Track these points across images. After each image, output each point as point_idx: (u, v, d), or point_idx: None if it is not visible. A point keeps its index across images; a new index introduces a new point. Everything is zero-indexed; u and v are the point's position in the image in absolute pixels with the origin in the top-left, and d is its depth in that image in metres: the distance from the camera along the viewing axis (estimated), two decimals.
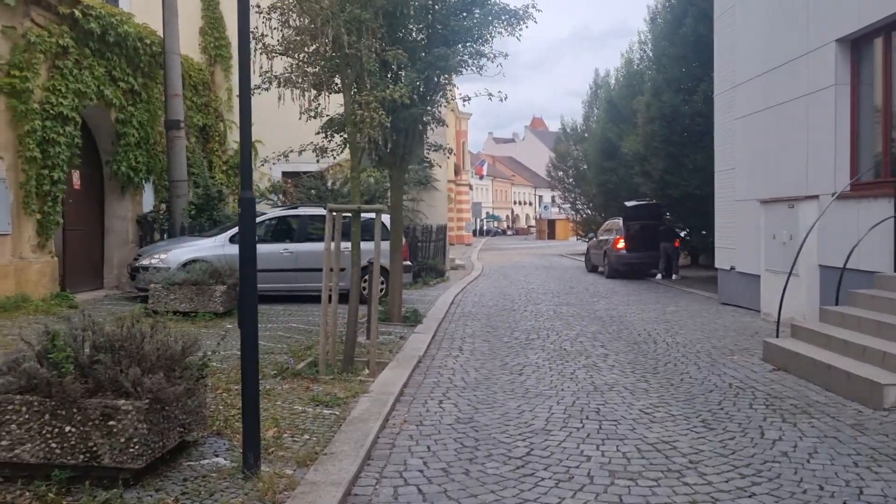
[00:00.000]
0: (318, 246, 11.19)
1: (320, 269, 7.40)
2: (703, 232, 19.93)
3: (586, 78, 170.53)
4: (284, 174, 19.58)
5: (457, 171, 44.59)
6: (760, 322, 11.51)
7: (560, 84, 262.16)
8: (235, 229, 13.15)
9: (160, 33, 14.71)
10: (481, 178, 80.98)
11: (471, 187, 61.56)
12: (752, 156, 12.62)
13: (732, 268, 13.62)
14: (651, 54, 25.09)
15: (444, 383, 7.27)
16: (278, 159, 10.33)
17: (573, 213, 41.31)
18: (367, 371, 7.48)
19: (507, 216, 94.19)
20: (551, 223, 70.55)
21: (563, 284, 19.02)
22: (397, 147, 10.75)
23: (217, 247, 12.73)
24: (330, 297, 7.38)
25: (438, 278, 18.88)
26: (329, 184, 18.23)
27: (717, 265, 14.55)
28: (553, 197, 69.74)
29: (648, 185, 20.79)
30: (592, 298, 15.45)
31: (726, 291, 14.03)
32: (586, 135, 38.39)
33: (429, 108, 10.74)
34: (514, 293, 16.61)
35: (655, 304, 14.29)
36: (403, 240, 12.84)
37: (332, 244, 7.36)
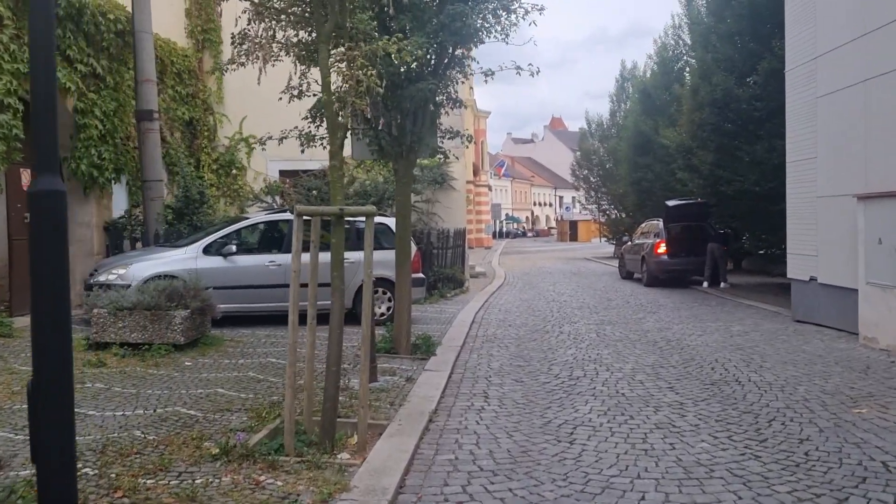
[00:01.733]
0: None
1: (319, 285, 5.19)
2: (764, 235, 17.40)
3: (605, 79, 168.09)
4: (282, 173, 17.37)
5: (475, 172, 42.29)
6: (862, 349, 9.14)
7: (578, 86, 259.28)
8: (211, 238, 10.93)
9: (131, 10, 12.59)
10: (508, 177, 78.55)
11: (490, 188, 59.18)
12: (843, 141, 10.22)
13: (812, 279, 11.23)
14: (688, 39, 22.87)
15: (464, 463, 5.00)
16: (256, 144, 8.26)
17: (599, 213, 38.87)
18: (354, 440, 5.25)
19: (527, 217, 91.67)
20: (573, 224, 68.11)
21: (599, 295, 16.67)
22: (403, 133, 8.51)
23: (188, 259, 10.53)
24: (304, 324, 5.17)
25: (457, 289, 16.59)
26: None
27: (789, 275, 12.13)
28: (574, 198, 67.11)
29: (695, 182, 18.30)
30: (637, 314, 13.11)
31: (803, 307, 11.62)
32: (613, 131, 36.02)
33: (441, 83, 8.49)
34: (545, 308, 14.30)
35: (715, 322, 11.95)
36: (414, 248, 10.61)
37: (308, 259, 5.15)
